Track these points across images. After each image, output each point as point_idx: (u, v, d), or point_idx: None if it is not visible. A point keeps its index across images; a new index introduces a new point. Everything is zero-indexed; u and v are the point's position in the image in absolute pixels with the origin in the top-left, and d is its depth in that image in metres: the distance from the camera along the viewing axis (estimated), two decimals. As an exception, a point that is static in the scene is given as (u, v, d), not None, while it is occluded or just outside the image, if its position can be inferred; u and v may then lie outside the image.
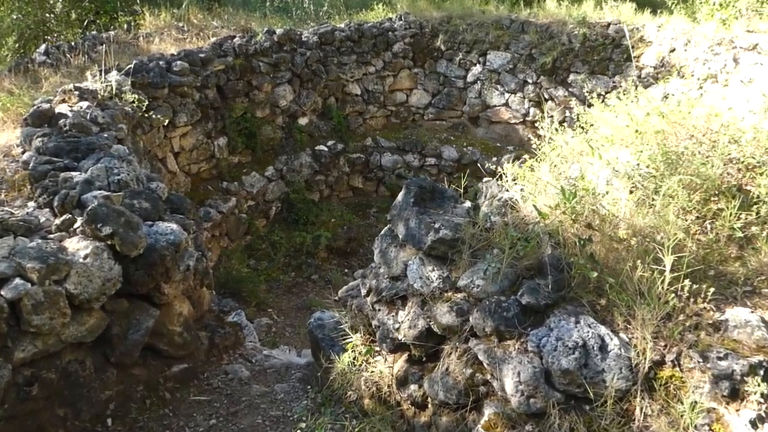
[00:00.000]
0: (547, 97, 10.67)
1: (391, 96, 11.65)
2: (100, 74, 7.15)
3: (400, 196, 4.02)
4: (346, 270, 9.95)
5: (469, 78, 11.36)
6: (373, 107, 11.50)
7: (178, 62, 8.21)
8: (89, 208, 3.94)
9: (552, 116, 10.79)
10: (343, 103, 11.19)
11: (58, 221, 4.11)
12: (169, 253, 4.28)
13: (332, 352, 4.44)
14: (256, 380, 4.93)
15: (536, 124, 11.06)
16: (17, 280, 3.51)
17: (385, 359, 4.09)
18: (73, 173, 4.60)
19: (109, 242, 3.99)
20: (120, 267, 4.04)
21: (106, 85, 6.60)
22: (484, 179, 4.28)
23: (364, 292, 4.23)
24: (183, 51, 8.59)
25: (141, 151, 7.15)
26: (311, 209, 10.47)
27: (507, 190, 3.91)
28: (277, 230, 10.07)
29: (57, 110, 5.91)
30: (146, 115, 7.06)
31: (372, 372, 4.09)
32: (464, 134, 11.72)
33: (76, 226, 4.10)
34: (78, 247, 3.92)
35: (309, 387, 4.75)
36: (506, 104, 11.16)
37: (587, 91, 10.31)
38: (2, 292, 3.45)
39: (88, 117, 5.89)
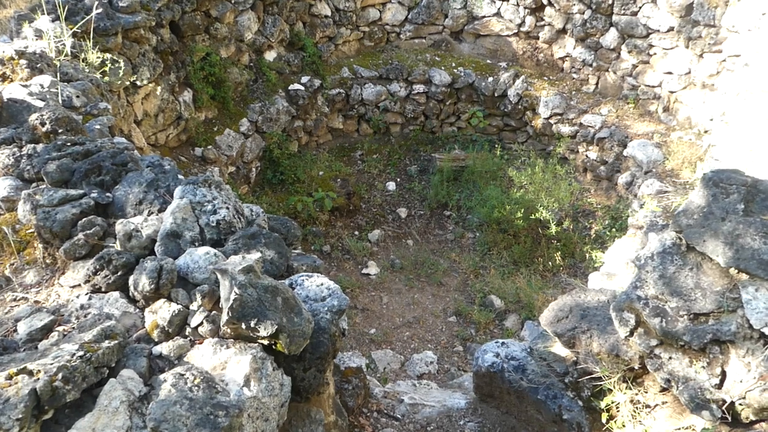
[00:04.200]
0: (545, 1, 9.33)
1: (363, 14, 9.69)
2: (19, 22, 4.82)
3: (698, 198, 2.71)
4: (355, 233, 8.49)
5: (452, -15, 9.67)
6: (345, 29, 9.53)
7: (124, -6, 5.82)
8: (232, 299, 2.23)
9: (551, 24, 9.61)
10: (312, 27, 9.13)
11: (160, 320, 2.36)
12: (336, 327, 2.72)
13: (565, 412, 3.22)
14: (426, 450, 3.63)
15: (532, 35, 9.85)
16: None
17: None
18: (134, 221, 2.73)
19: (265, 342, 2.36)
20: (289, 377, 2.46)
21: (57, 44, 4.34)
22: None
23: (624, 332, 2.98)
24: (121, -24, 6.12)
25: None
26: (297, 164, 8.67)
27: None
28: (264, 196, 8.24)
29: (6, 95, 3.72)
30: (106, 78, 4.88)
31: (655, 439, 2.95)
32: (448, 52, 10.18)
33: (195, 323, 2.38)
34: (221, 362, 2.27)
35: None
36: (497, 14, 9.69)
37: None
38: None
39: (60, 101, 3.79)
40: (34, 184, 3.10)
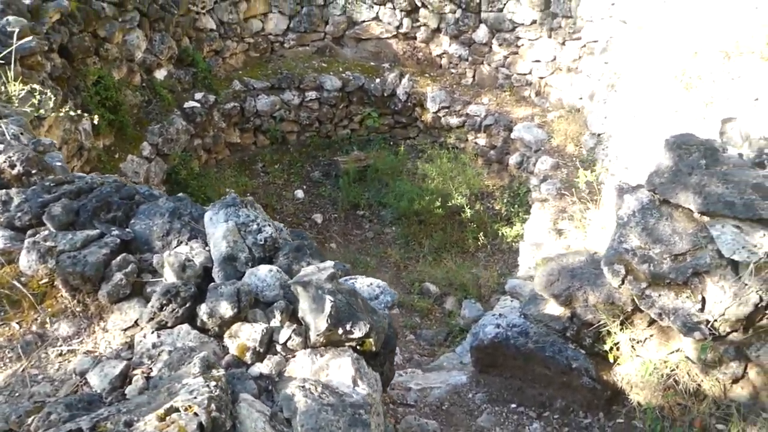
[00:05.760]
0: (419, 3, 9.93)
1: (246, 25, 9.55)
2: None
3: (666, 160, 3.28)
4: (278, 244, 8.39)
5: (330, -8, 9.90)
6: (230, 42, 9.34)
7: (10, 18, 5.26)
8: (329, 307, 2.30)
9: (426, 25, 10.24)
10: (199, 42, 8.82)
11: (250, 342, 2.36)
12: (390, 319, 2.87)
13: (573, 361, 3.67)
14: (449, 426, 3.88)
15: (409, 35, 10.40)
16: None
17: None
18: (181, 250, 2.63)
19: (353, 344, 2.46)
20: (377, 373, 2.57)
21: (-26, 77, 3.88)
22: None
23: (616, 282, 3.47)
24: (-2, -1, 5.51)
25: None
26: (204, 184, 8.37)
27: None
28: (175, 221, 7.83)
29: (-55, 140, 3.29)
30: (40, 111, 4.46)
31: (652, 363, 3.49)
32: (333, 58, 10.40)
33: (283, 338, 2.41)
34: (321, 369, 2.33)
35: (533, 407, 3.94)
36: (376, 18, 10.11)
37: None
38: None
39: (9, 140, 3.45)
40: (29, 231, 2.82)
